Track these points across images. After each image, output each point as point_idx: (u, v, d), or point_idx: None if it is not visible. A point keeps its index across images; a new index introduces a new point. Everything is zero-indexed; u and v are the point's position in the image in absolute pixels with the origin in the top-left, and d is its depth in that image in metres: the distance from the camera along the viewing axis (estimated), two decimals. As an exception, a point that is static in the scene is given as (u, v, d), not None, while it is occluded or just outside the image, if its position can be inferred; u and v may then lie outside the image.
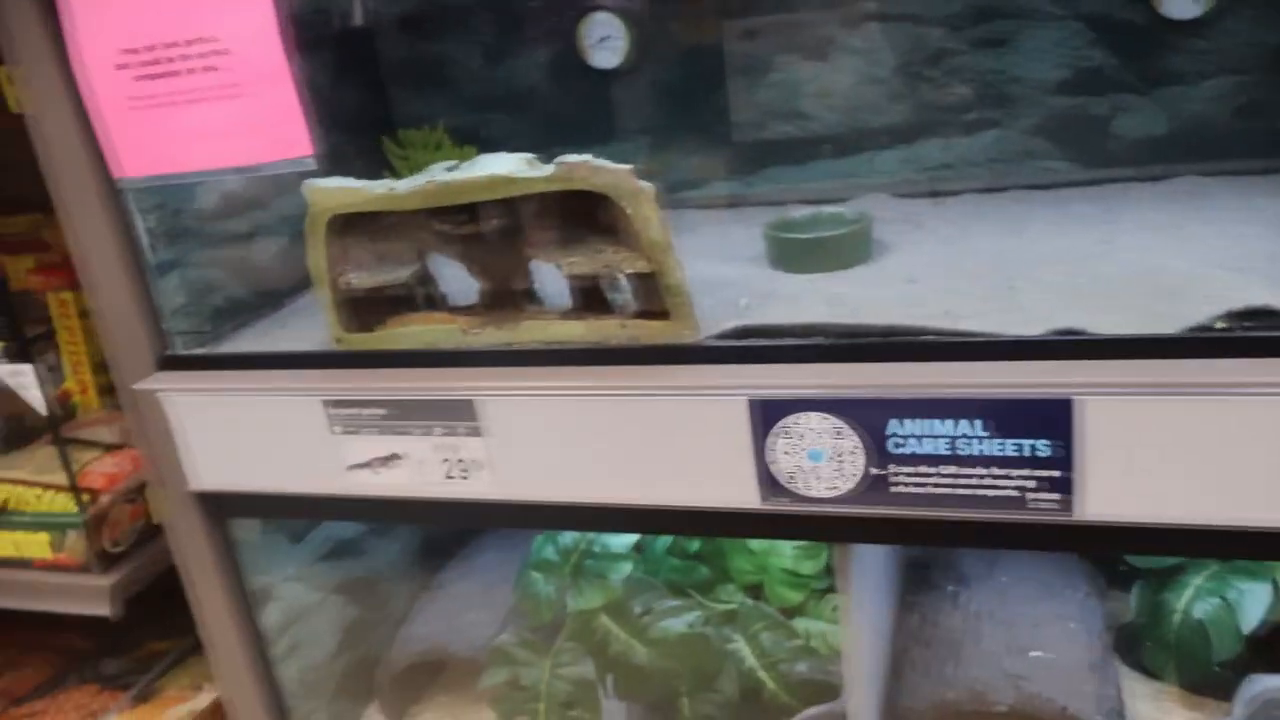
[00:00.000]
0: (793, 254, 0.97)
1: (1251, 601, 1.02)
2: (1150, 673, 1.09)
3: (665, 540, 1.17)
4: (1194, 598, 1.04)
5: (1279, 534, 0.69)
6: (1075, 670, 1.00)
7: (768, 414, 0.78)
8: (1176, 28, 1.06)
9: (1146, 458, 0.70)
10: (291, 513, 1.09)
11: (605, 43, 1.21)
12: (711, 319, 0.86)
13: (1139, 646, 1.10)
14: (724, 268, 1.01)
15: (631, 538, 1.16)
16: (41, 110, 0.92)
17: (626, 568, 1.13)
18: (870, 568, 0.99)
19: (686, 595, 1.15)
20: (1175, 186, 1.06)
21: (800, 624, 1.11)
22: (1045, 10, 1.11)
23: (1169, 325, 0.72)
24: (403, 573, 1.38)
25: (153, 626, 1.75)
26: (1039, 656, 1.02)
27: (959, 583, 1.16)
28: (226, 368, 0.97)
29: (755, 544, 1.17)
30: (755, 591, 1.16)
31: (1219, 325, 0.72)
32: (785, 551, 1.16)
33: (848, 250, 0.97)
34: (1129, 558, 1.13)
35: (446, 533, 1.44)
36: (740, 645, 1.10)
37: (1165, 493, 0.70)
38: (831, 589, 1.13)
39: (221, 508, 1.04)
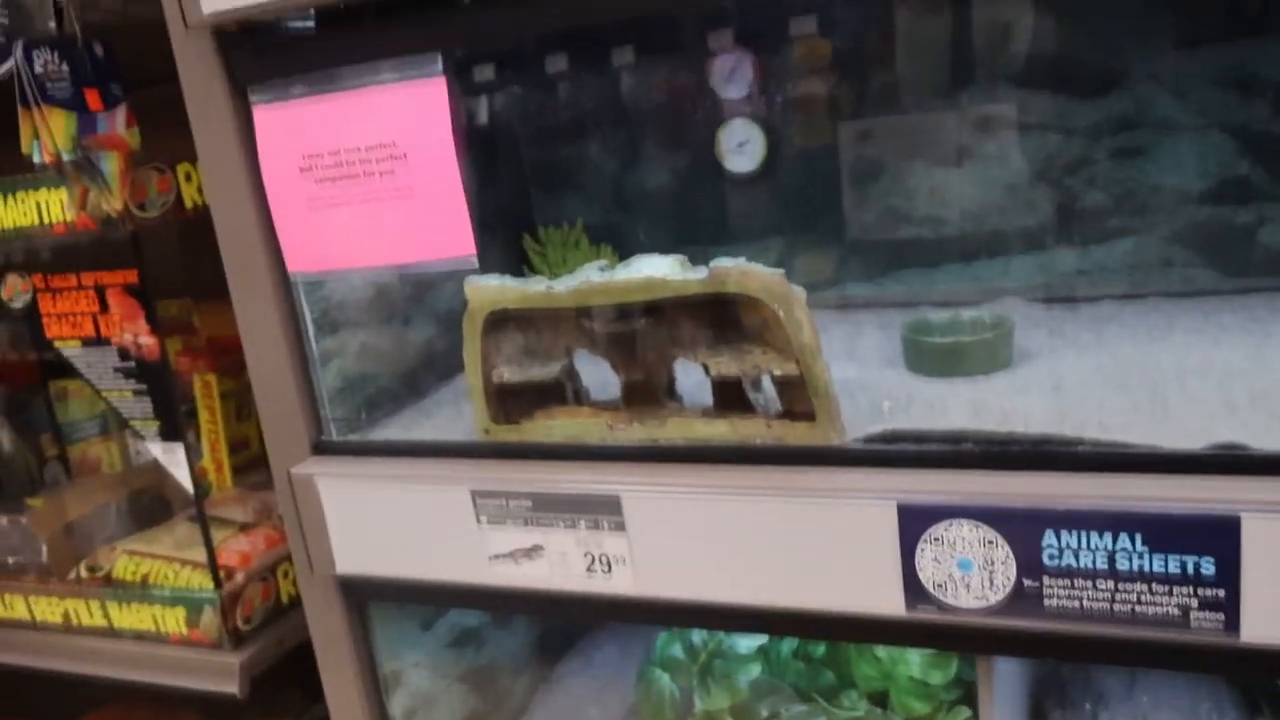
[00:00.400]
0: (933, 358, 0.98)
1: None
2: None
3: (790, 642, 1.16)
4: (1358, 730, 0.99)
5: None
6: (1230, 802, 0.96)
7: (918, 520, 0.77)
8: (1326, 140, 1.06)
9: (1319, 580, 0.68)
10: (431, 600, 1.12)
11: (743, 148, 1.25)
12: (854, 422, 0.87)
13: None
14: (861, 370, 1.02)
15: (758, 639, 1.15)
16: (225, 206, 0.99)
17: (755, 669, 1.12)
18: (1009, 681, 0.97)
19: (810, 700, 1.13)
20: (1325, 299, 1.04)
21: (929, 736, 1.08)
22: (1187, 121, 1.11)
23: (1342, 444, 0.71)
24: (522, 664, 1.39)
25: (263, 707, 1.78)
26: (1190, 785, 0.98)
27: (1096, 701, 1.11)
28: (379, 455, 1.01)
29: (882, 651, 1.15)
30: (879, 699, 1.13)
31: (1395, 446, 0.70)
32: (913, 661, 1.13)
33: (989, 355, 0.97)
34: (1282, 684, 1.08)
35: (565, 625, 1.44)
36: (868, 755, 1.08)
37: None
38: (961, 701, 1.10)
39: (363, 592, 1.06)
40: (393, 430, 1.08)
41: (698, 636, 1.16)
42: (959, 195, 1.22)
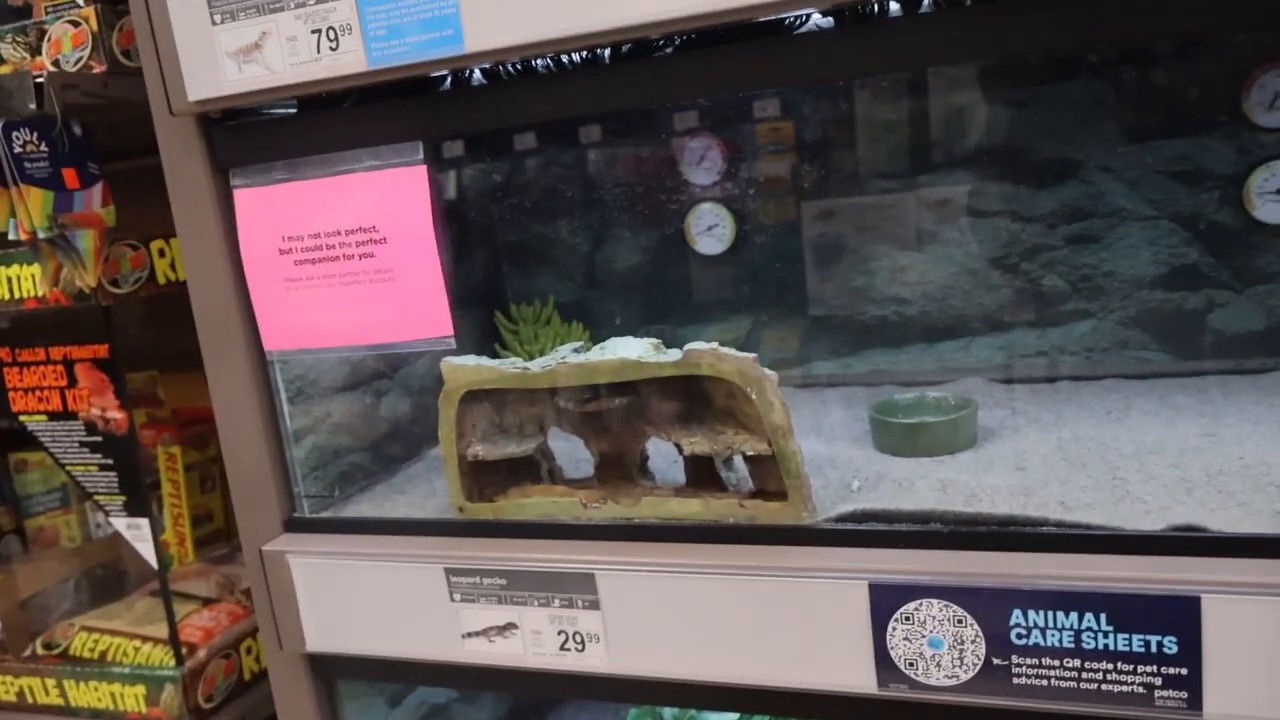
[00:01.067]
0: (900, 437, 1.00)
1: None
2: None
3: (762, 718, 1.16)
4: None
5: None
6: None
7: (889, 599, 0.79)
8: (1268, 230, 1.11)
9: (1277, 658, 0.70)
10: (404, 678, 1.10)
11: (712, 231, 1.29)
12: (823, 500, 0.89)
13: None
14: (829, 447, 1.04)
15: (730, 716, 1.15)
16: (203, 284, 1.00)
17: (726, 747, 1.13)
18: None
19: (782, 777, 1.13)
20: (1271, 380, 1.08)
21: (900, 814, 1.08)
22: (1136, 211, 1.16)
23: (1293, 525, 0.74)
24: (490, 741, 1.38)
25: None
26: None
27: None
28: (352, 532, 1.01)
29: (851, 727, 1.15)
30: (851, 776, 1.13)
31: (1345, 527, 0.73)
32: (882, 736, 1.14)
33: (955, 436, 0.99)
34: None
35: (534, 700, 1.43)
36: (839, 834, 1.08)
37: (1297, 695, 0.70)
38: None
39: (333, 670, 1.06)
40: (365, 506, 1.08)
41: (668, 713, 1.16)
42: (923, 278, 1.26)
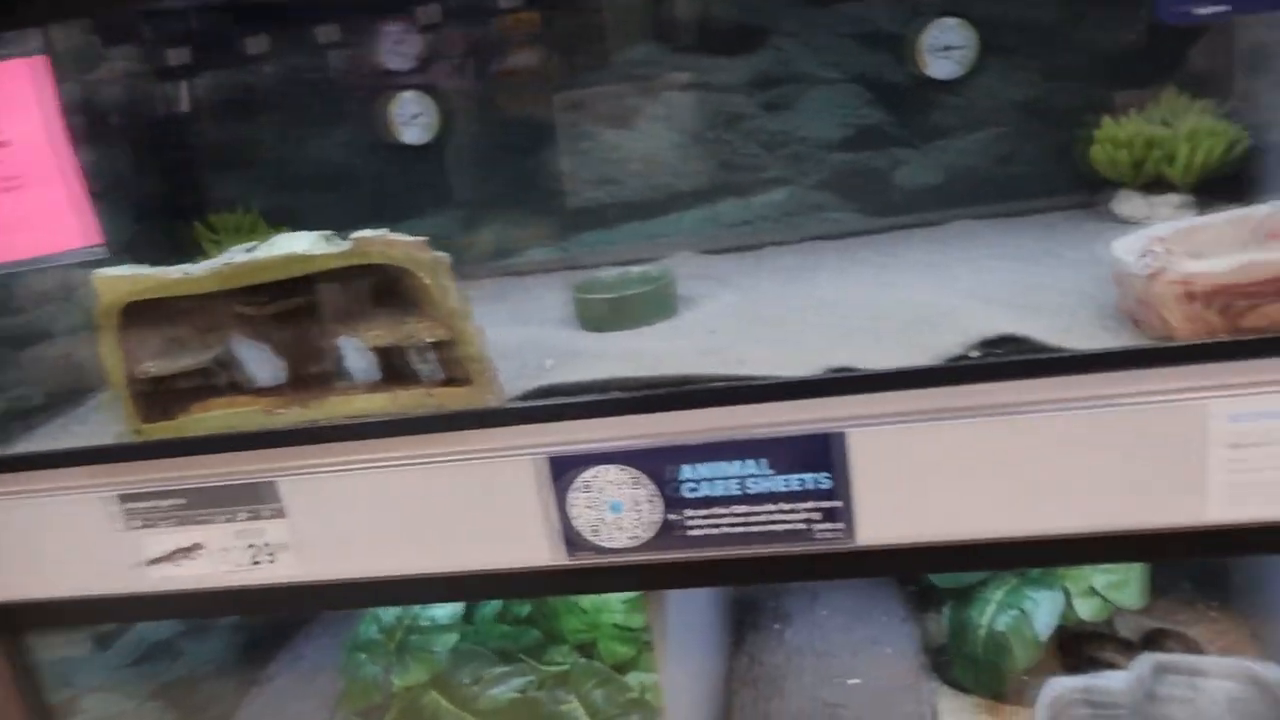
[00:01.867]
0: (598, 313, 1.00)
1: (1045, 609, 1.08)
2: (961, 687, 1.14)
3: (494, 606, 1.17)
4: (995, 612, 1.10)
5: (1038, 541, 0.75)
6: (889, 692, 1.05)
7: (565, 469, 0.79)
8: (940, 87, 1.16)
9: (913, 481, 0.75)
10: (89, 618, 1.05)
11: (416, 120, 1.24)
12: (517, 382, 0.88)
13: (949, 664, 1.15)
14: (533, 331, 1.03)
15: (458, 608, 1.15)
16: None
17: (452, 639, 1.12)
18: (685, 613, 1.01)
19: (518, 660, 1.14)
20: (948, 231, 1.15)
21: (633, 678, 1.12)
22: (822, 75, 1.18)
23: (927, 356, 0.78)
24: (227, 670, 1.33)
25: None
26: (855, 684, 1.06)
27: (783, 620, 1.19)
28: (11, 470, 0.93)
29: (586, 602, 1.18)
30: (588, 650, 1.16)
31: (972, 354, 0.78)
32: (615, 607, 1.17)
33: (651, 307, 1.00)
34: (936, 581, 1.19)
35: (272, 625, 1.39)
36: (574, 705, 1.10)
37: (935, 512, 0.75)
38: (664, 640, 1.15)
39: (13, 620, 0.98)
40: (35, 442, 1.00)
41: (392, 614, 1.15)
42: (630, 158, 1.26)
